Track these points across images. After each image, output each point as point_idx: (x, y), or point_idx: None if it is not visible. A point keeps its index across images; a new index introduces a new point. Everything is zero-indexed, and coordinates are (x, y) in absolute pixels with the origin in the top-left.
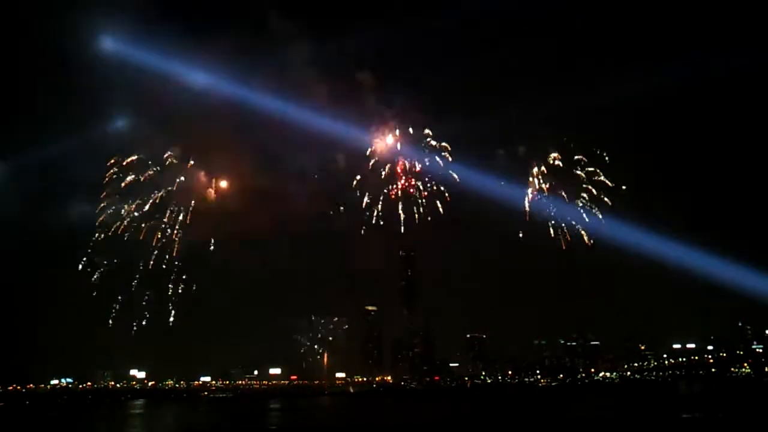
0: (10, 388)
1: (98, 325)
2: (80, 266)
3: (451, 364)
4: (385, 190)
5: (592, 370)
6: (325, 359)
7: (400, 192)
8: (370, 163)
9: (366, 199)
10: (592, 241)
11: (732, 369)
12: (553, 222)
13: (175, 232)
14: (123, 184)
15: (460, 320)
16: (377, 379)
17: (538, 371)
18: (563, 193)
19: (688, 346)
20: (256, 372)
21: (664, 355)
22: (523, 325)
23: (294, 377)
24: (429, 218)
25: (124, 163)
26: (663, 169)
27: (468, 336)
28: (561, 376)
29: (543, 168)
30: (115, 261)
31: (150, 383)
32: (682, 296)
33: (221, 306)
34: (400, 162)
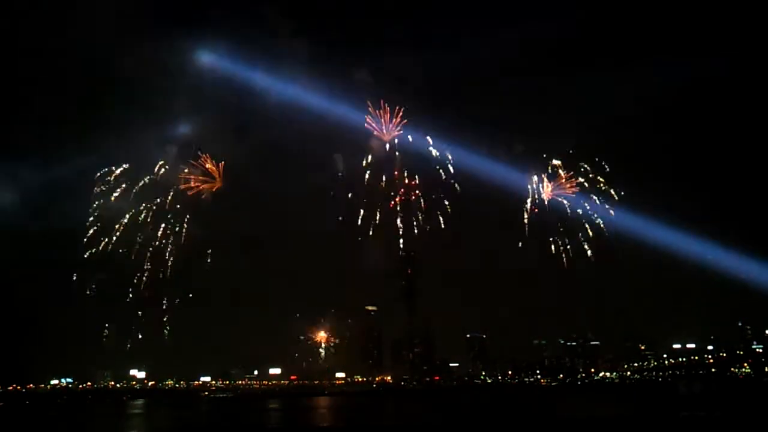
0: (10, 388)
1: (93, 338)
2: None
3: (451, 364)
4: (388, 194)
5: (592, 370)
6: (325, 359)
7: (398, 204)
8: (366, 175)
9: (363, 212)
10: (594, 258)
11: (732, 369)
12: (551, 239)
13: (174, 231)
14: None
15: (460, 320)
16: (377, 379)
17: (538, 371)
18: (565, 202)
19: (688, 346)
20: (256, 372)
21: (664, 355)
22: (523, 325)
23: (294, 377)
24: (428, 227)
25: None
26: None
27: (468, 336)
28: (561, 376)
29: (544, 176)
30: (105, 278)
31: (150, 383)
32: (682, 296)
33: (221, 306)
34: (398, 169)
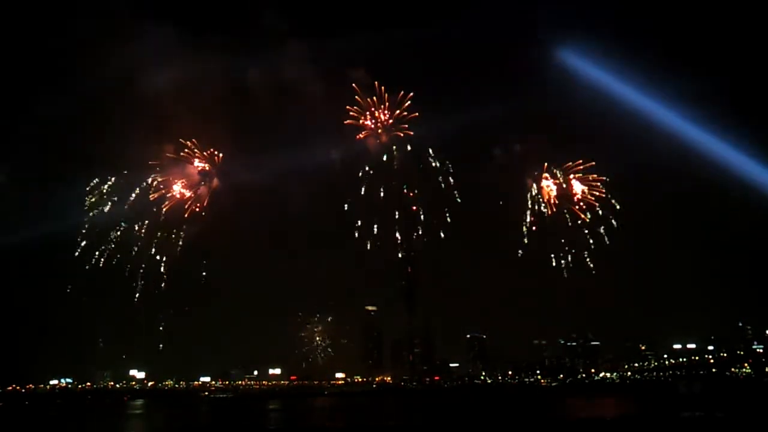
0: (10, 388)
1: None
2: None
3: (451, 364)
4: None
5: (592, 370)
6: (325, 359)
7: (398, 214)
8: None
9: (359, 222)
10: (594, 269)
11: (732, 369)
12: (553, 255)
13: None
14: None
15: (460, 320)
16: (377, 379)
17: (538, 371)
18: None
19: (688, 346)
20: (256, 372)
21: (664, 355)
22: (523, 325)
23: (294, 377)
24: (425, 239)
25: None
26: None
27: (468, 336)
28: (561, 376)
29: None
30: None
31: (150, 383)
32: (682, 296)
33: (221, 306)
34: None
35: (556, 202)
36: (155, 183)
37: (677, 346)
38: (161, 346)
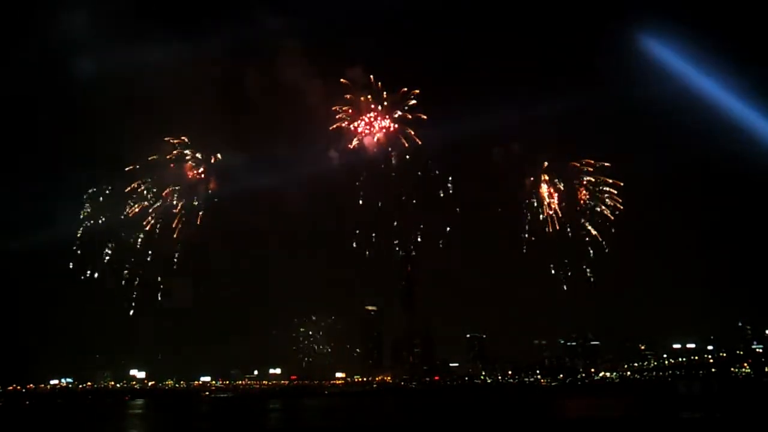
0: (10, 388)
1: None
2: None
3: (451, 364)
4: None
5: (592, 370)
6: (325, 359)
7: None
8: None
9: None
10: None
11: (732, 369)
12: (552, 264)
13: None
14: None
15: (460, 320)
16: (377, 379)
17: (538, 371)
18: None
19: (688, 346)
20: (256, 372)
21: (664, 355)
22: (523, 325)
23: (294, 377)
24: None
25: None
26: None
27: (468, 336)
28: (561, 376)
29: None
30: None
31: (150, 383)
32: (681, 296)
33: (221, 306)
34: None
35: (558, 210)
36: (154, 182)
37: (677, 346)
38: (161, 346)
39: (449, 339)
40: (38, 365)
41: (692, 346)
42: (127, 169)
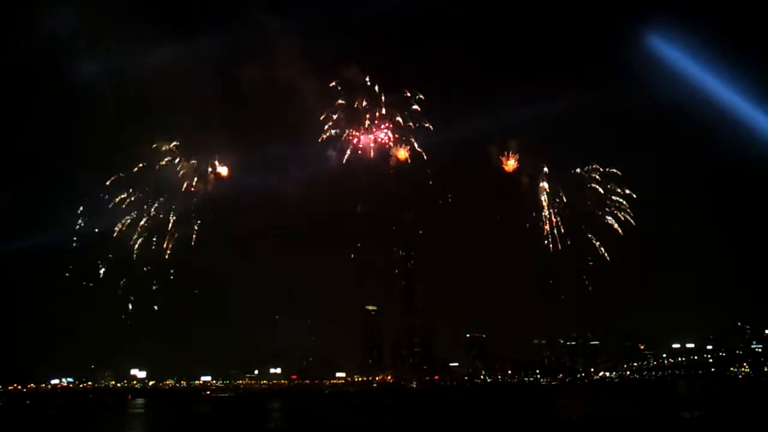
0: (11, 387)
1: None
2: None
3: (451, 364)
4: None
5: (592, 369)
6: (325, 359)
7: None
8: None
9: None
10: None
11: (731, 369)
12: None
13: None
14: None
15: (460, 320)
16: (377, 379)
17: (537, 371)
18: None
19: (688, 345)
20: (256, 372)
21: (664, 355)
22: (523, 325)
23: (294, 376)
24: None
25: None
26: None
27: (468, 336)
28: (561, 375)
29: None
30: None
31: (150, 383)
32: (681, 296)
33: (221, 306)
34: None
35: (560, 225)
36: (152, 183)
37: (676, 346)
38: (162, 345)
39: (449, 339)
40: (39, 365)
41: (692, 345)
42: (125, 169)
